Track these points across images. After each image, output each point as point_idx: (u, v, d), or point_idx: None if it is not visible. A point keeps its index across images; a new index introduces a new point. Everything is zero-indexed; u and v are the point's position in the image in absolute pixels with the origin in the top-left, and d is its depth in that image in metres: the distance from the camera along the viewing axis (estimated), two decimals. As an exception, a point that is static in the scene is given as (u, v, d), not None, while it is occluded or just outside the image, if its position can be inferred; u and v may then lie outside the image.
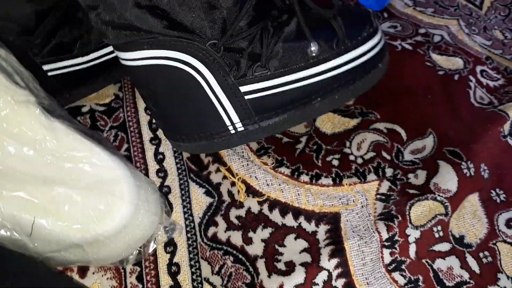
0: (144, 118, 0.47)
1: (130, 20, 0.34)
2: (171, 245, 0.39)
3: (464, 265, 0.40)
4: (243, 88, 0.38)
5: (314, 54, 0.38)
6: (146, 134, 0.46)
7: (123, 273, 0.38)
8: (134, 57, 0.36)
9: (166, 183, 0.42)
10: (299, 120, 0.41)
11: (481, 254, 0.41)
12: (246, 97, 0.38)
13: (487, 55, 0.56)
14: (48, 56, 0.41)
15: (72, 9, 0.38)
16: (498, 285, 0.39)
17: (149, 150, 0.44)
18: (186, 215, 0.41)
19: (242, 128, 0.40)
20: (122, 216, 0.34)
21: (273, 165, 0.44)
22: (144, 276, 0.38)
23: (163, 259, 0.39)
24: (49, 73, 0.42)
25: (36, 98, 0.35)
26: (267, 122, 0.40)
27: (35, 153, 0.33)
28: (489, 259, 0.41)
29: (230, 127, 0.39)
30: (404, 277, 0.39)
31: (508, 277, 0.40)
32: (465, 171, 0.43)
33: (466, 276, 0.39)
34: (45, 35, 0.39)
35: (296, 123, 0.42)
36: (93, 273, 0.38)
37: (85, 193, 0.34)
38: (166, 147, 0.45)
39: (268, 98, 0.39)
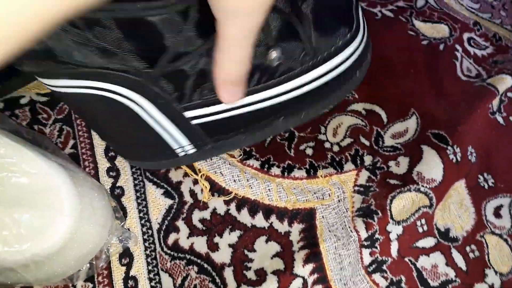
0: (95, 106, 0.41)
1: (52, 48, 0.28)
2: (126, 256, 0.35)
3: (450, 262, 0.37)
4: (188, 114, 0.31)
5: (275, 63, 0.30)
6: (97, 125, 0.40)
7: (72, 291, 0.33)
8: (57, 84, 0.30)
9: (118, 184, 0.37)
10: (259, 139, 0.35)
11: (467, 249, 0.38)
12: (194, 121, 0.32)
13: (474, 20, 0.51)
14: None
15: None
16: (486, 282, 0.36)
17: (99, 146, 0.39)
18: (142, 221, 0.36)
19: (194, 150, 0.34)
20: (61, 232, 0.29)
21: (240, 157, 0.39)
22: (97, 293, 0.34)
23: (118, 272, 0.34)
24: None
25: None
26: (223, 142, 0.34)
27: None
28: (476, 253, 0.38)
29: (179, 150, 0.34)
30: (386, 278, 0.36)
31: (496, 272, 0.37)
32: (451, 156, 0.40)
33: (451, 274, 0.36)
34: None
35: (257, 141, 0.36)
36: (38, 293, 0.33)
37: (15, 208, 0.29)
38: (120, 140, 0.39)
39: (220, 121, 0.32)
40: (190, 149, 0.34)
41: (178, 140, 0.33)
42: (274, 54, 0.29)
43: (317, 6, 0.31)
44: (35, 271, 0.30)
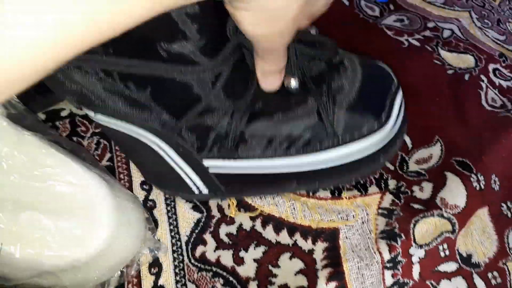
0: (130, 121, 0.43)
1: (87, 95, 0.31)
2: (156, 266, 0.36)
3: (472, 287, 0.37)
4: (206, 163, 0.34)
5: (292, 88, 0.31)
6: (132, 140, 0.42)
7: (103, 297, 0.35)
8: (97, 118, 0.34)
9: (150, 197, 0.39)
10: (272, 194, 0.38)
11: (489, 275, 0.38)
12: (211, 170, 0.34)
13: (500, 51, 0.52)
14: None
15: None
16: (508, 310, 0.36)
17: (134, 159, 0.41)
18: (172, 233, 0.38)
19: (207, 192, 0.36)
20: (100, 241, 0.31)
21: (267, 175, 0.41)
22: (127, 300, 0.35)
23: (147, 281, 0.36)
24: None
25: (2, 107, 0.32)
26: (236, 191, 0.37)
27: (0, 172, 0.30)
28: (498, 280, 0.38)
29: (194, 188, 0.36)
30: (407, 300, 0.36)
31: (518, 300, 0.37)
32: (474, 184, 0.40)
33: (473, 299, 0.37)
34: None
35: (268, 194, 0.39)
36: (71, 297, 0.35)
37: (58, 216, 0.31)
38: (153, 154, 0.41)
39: (235, 176, 0.34)
40: (205, 190, 0.36)
41: (195, 182, 0.36)
42: (293, 82, 0.31)
43: (347, 82, 0.32)
44: (71, 276, 0.32)
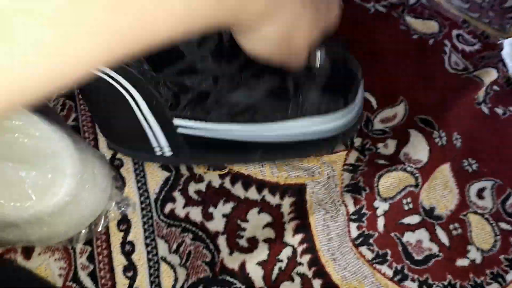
0: (98, 86, 0.43)
1: None
2: (124, 222, 0.36)
3: (434, 238, 0.38)
4: (176, 121, 0.34)
5: (319, 63, 0.34)
6: (100, 103, 0.42)
7: (72, 253, 0.35)
8: None
9: (118, 156, 0.39)
10: (235, 163, 0.39)
11: (451, 226, 0.39)
12: (179, 130, 0.34)
13: (463, 18, 0.54)
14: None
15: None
16: (468, 258, 0.38)
17: (101, 120, 0.41)
18: (140, 191, 0.38)
19: (170, 154, 0.36)
20: (64, 192, 0.31)
21: (236, 135, 0.41)
22: (96, 256, 0.35)
23: (116, 237, 0.36)
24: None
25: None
26: (199, 155, 0.37)
27: (-39, 123, 0.30)
28: (459, 231, 0.39)
29: (157, 149, 0.36)
30: (372, 251, 0.37)
31: (477, 248, 0.38)
32: (437, 140, 0.41)
33: (435, 249, 0.38)
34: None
35: (230, 164, 0.39)
36: (39, 254, 0.35)
37: (22, 167, 0.30)
38: (121, 117, 0.41)
39: (203, 138, 0.35)
40: (167, 152, 0.36)
41: (159, 141, 0.35)
42: (319, 54, 0.33)
43: (318, 68, 0.34)
44: (37, 229, 0.32)
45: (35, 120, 0.32)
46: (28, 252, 0.35)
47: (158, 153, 0.37)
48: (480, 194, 0.41)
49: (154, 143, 0.36)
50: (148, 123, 0.35)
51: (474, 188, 0.41)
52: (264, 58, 0.25)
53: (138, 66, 0.31)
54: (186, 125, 0.34)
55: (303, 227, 0.37)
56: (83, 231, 0.35)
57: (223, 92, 0.33)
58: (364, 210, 0.38)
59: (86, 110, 0.41)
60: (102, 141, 0.40)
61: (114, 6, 0.15)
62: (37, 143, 0.31)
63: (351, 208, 0.37)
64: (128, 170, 0.39)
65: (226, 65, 0.32)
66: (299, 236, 0.36)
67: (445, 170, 0.42)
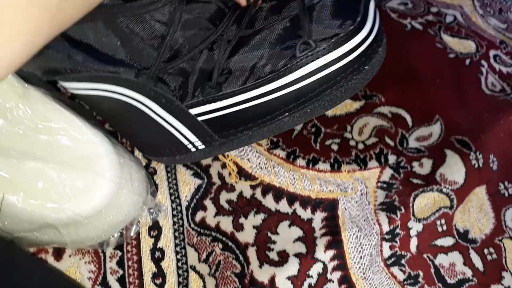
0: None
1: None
2: (155, 228, 0.36)
3: (467, 262, 0.38)
4: (193, 111, 0.33)
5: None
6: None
7: (102, 257, 0.35)
8: (76, 87, 0.33)
9: (152, 165, 0.39)
10: (268, 135, 0.35)
11: (485, 251, 0.38)
12: (199, 118, 0.33)
13: (501, 39, 0.53)
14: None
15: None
16: (502, 284, 0.37)
17: (136, 125, 0.41)
18: (172, 197, 0.38)
19: (203, 146, 0.35)
20: (102, 195, 0.31)
21: (267, 146, 0.41)
22: (126, 261, 0.35)
23: (146, 243, 0.36)
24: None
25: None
26: (231, 138, 0.35)
27: (6, 122, 0.30)
28: (494, 256, 0.38)
29: (190, 146, 0.35)
30: (404, 272, 0.37)
31: (512, 276, 0.37)
32: (473, 162, 0.41)
33: (469, 273, 0.37)
34: None
35: (265, 137, 0.36)
36: (70, 255, 0.35)
37: (62, 169, 0.31)
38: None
39: (224, 118, 0.33)
40: (200, 145, 0.35)
41: (187, 137, 0.34)
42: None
43: (317, 5, 0.31)
44: (72, 232, 0.32)
45: (76, 123, 0.32)
46: (59, 253, 0.35)
47: (193, 149, 0.36)
48: (516, 219, 0.40)
49: (184, 141, 0.35)
50: (169, 123, 0.34)
51: (510, 213, 0.40)
52: None
53: (131, 70, 0.31)
54: (203, 111, 0.33)
55: (335, 243, 0.36)
56: (115, 235, 0.35)
57: (223, 59, 0.31)
58: (398, 230, 0.37)
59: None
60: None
61: None
62: (78, 145, 0.31)
63: (385, 227, 0.37)
64: (161, 178, 0.39)
65: (212, 30, 0.31)
66: (330, 253, 0.36)
67: (480, 193, 0.41)
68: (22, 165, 0.30)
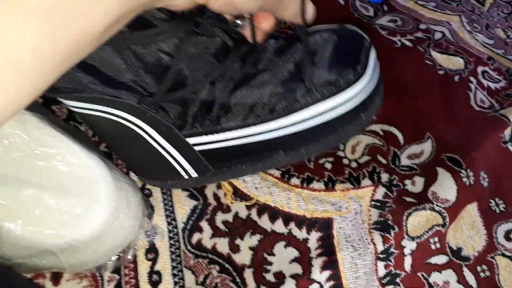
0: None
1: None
2: (152, 251, 0.36)
3: (461, 280, 0.38)
4: (191, 140, 0.33)
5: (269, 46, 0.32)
6: (129, 128, 0.42)
7: (100, 281, 0.35)
8: (76, 106, 0.33)
9: (147, 186, 0.39)
10: (260, 169, 0.36)
11: (478, 268, 0.39)
12: (196, 148, 0.33)
13: (489, 55, 0.54)
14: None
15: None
16: (495, 301, 0.38)
17: (131, 146, 0.41)
18: (168, 219, 0.38)
19: (196, 175, 0.35)
20: (100, 220, 0.31)
21: (263, 166, 0.41)
22: (123, 285, 0.35)
23: (143, 266, 0.36)
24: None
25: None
26: (224, 170, 0.35)
27: (2, 149, 0.30)
28: (487, 273, 0.39)
29: (183, 173, 0.35)
30: (398, 290, 0.37)
31: (505, 292, 0.38)
32: (464, 179, 0.41)
33: (462, 290, 0.38)
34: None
35: (257, 171, 0.37)
36: (68, 280, 0.35)
37: (59, 195, 0.31)
38: (150, 143, 0.41)
39: (220, 150, 0.33)
40: (193, 173, 0.35)
41: (182, 164, 0.35)
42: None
43: (321, 45, 0.33)
44: (70, 257, 0.32)
45: (73, 147, 0.32)
46: (56, 278, 0.35)
47: (186, 176, 0.36)
48: (508, 235, 0.41)
49: (178, 168, 0.35)
50: (165, 150, 0.34)
51: (501, 229, 0.41)
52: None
53: (133, 95, 0.31)
54: (200, 142, 0.33)
55: (331, 263, 0.37)
56: (113, 258, 0.35)
57: (225, 95, 0.32)
58: (392, 249, 0.38)
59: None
60: (133, 168, 0.40)
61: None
62: (74, 170, 0.32)
63: (380, 247, 0.37)
64: (157, 199, 0.39)
65: (218, 65, 0.31)
66: (326, 273, 0.36)
67: (472, 210, 0.42)
68: (19, 192, 0.30)
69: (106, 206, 0.31)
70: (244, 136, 0.33)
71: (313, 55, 0.32)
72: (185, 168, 0.35)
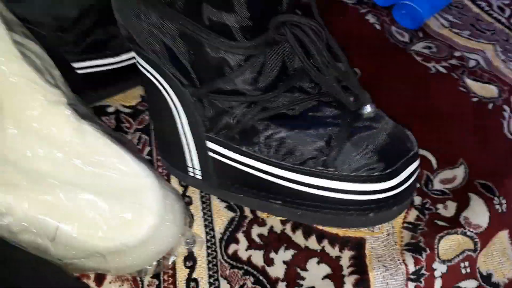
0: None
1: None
2: (190, 259, 0.38)
3: (490, 305, 0.39)
4: (209, 144, 0.35)
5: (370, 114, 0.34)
6: (170, 139, 0.44)
7: (140, 285, 0.37)
8: (136, 59, 0.36)
9: (187, 193, 0.41)
10: (255, 207, 0.38)
11: (508, 295, 0.39)
12: (210, 153, 0.35)
13: (522, 84, 0.55)
14: (81, 54, 0.40)
15: (110, 8, 0.37)
16: (524, 329, 0.38)
17: (173, 156, 0.43)
18: (207, 229, 0.40)
19: (200, 177, 0.37)
20: (148, 227, 0.33)
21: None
22: (162, 290, 0.37)
23: (182, 273, 0.37)
24: (79, 71, 0.41)
25: (66, 98, 0.34)
26: (224, 188, 0.37)
27: (64, 156, 0.32)
28: (516, 300, 0.39)
29: (190, 169, 0.37)
30: (428, 312, 0.38)
31: (534, 321, 0.38)
32: (497, 207, 0.42)
33: (491, 316, 0.38)
34: (81, 33, 0.38)
35: (252, 207, 0.40)
36: (110, 282, 0.36)
37: (111, 201, 0.33)
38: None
39: (229, 168, 0.35)
40: (198, 175, 0.37)
41: (193, 161, 0.37)
42: (368, 109, 0.33)
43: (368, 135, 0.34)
44: (118, 259, 0.33)
45: (125, 157, 0.34)
46: (100, 279, 0.37)
47: (191, 173, 0.38)
48: (537, 264, 0.41)
49: (188, 162, 0.37)
50: (186, 139, 0.36)
51: (531, 258, 0.42)
52: None
53: (185, 77, 0.33)
54: (217, 150, 0.35)
55: (362, 282, 0.37)
56: (154, 263, 0.36)
57: (254, 120, 0.34)
58: (423, 271, 0.38)
59: (160, 145, 0.44)
60: (174, 178, 0.42)
61: None
62: (126, 179, 0.34)
63: (411, 268, 0.38)
64: (196, 208, 0.40)
65: (264, 90, 0.33)
66: (358, 291, 0.37)
67: (503, 237, 0.42)
68: (76, 196, 0.32)
69: (155, 213, 0.33)
70: (254, 168, 0.34)
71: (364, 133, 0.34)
72: (195, 166, 0.37)
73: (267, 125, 0.34)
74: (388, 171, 0.32)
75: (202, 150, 0.36)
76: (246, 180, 0.36)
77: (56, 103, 0.33)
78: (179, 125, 0.36)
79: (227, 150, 0.35)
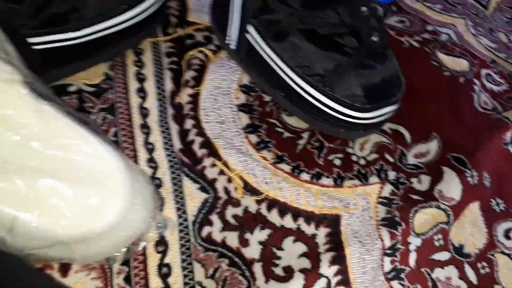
0: (135, 101, 0.43)
1: None
2: (162, 244, 0.37)
3: (462, 276, 0.39)
4: (249, 28, 0.41)
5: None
6: (137, 119, 0.42)
7: (109, 273, 0.35)
8: None
9: (157, 175, 0.39)
10: (266, 89, 0.45)
11: (479, 265, 0.40)
12: (247, 35, 0.42)
13: (492, 58, 0.55)
14: (37, 28, 0.36)
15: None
16: (495, 298, 0.39)
17: (139, 137, 0.41)
18: (179, 212, 0.38)
19: (234, 48, 0.44)
20: (116, 212, 0.31)
21: (273, 160, 0.42)
22: (132, 277, 0.35)
23: (153, 259, 0.36)
24: (35, 47, 0.38)
25: (22, 76, 0.32)
26: (245, 66, 0.45)
27: (21, 139, 0.30)
28: (487, 270, 0.40)
29: (228, 38, 0.44)
30: (403, 286, 0.38)
31: (504, 289, 0.39)
32: (469, 179, 0.42)
33: (464, 286, 0.39)
34: (37, 5, 0.35)
35: (263, 88, 0.45)
36: (76, 271, 0.35)
37: (76, 186, 0.31)
38: (157, 137, 0.41)
39: (257, 54, 0.42)
40: (233, 46, 0.44)
41: (232, 32, 0.43)
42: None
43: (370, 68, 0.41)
44: (84, 248, 0.32)
45: (89, 138, 0.32)
46: (65, 269, 0.35)
47: (227, 41, 0.44)
48: (507, 234, 0.42)
49: (228, 32, 0.43)
50: (233, 14, 0.42)
51: (501, 228, 0.42)
52: None
53: None
54: (253, 35, 0.41)
55: (339, 258, 0.37)
56: (123, 250, 0.35)
57: (295, 34, 0.40)
58: (398, 245, 0.38)
59: (126, 125, 0.41)
60: (142, 159, 0.40)
61: None
62: (91, 161, 0.31)
63: (387, 243, 0.38)
64: (167, 190, 0.39)
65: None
66: (334, 268, 0.37)
67: (474, 209, 0.43)
68: (36, 182, 0.30)
69: (123, 197, 0.31)
70: (277, 65, 0.42)
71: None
72: (232, 36, 0.44)
73: (299, 35, 0.40)
74: (366, 106, 0.39)
75: (242, 30, 0.42)
76: (265, 67, 0.42)
77: (10, 81, 0.30)
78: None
79: (260, 39, 0.41)
